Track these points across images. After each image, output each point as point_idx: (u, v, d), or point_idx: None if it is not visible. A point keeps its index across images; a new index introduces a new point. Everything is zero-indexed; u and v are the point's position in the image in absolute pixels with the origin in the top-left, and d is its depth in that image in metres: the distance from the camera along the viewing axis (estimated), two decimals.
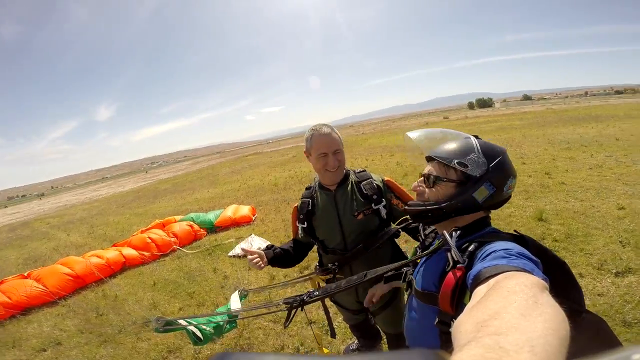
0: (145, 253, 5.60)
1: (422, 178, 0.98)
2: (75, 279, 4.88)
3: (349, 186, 1.58)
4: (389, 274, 1.31)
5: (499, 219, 4.45)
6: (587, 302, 2.45)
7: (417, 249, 1.15)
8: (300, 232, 1.67)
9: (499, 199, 0.90)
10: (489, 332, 0.37)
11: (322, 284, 1.68)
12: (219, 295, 3.84)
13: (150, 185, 24.25)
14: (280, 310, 1.37)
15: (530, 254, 0.67)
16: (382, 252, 1.62)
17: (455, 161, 0.89)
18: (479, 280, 0.62)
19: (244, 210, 7.23)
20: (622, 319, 2.32)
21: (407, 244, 3.59)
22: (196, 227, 6.52)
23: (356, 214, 1.53)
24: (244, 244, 5.22)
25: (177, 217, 7.36)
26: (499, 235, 0.83)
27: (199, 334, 2.01)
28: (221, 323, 2.01)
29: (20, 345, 3.58)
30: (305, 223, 1.63)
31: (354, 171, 1.64)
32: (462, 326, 0.44)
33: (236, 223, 6.75)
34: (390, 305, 1.68)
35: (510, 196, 0.93)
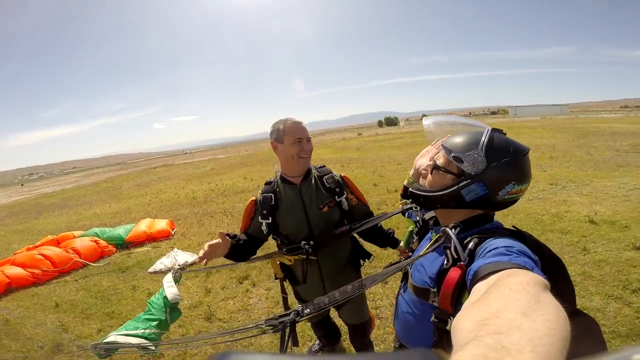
0: (36, 270, 4.62)
1: (430, 162, 0.98)
2: None
3: (313, 180, 1.63)
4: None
5: None
6: None
7: (413, 233, 1.17)
8: (264, 227, 1.60)
9: (494, 202, 0.87)
10: (490, 331, 0.37)
11: (287, 262, 1.63)
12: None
13: (30, 200, 20.02)
14: (261, 333, 1.17)
15: (530, 252, 0.68)
16: (344, 242, 1.70)
17: (453, 155, 0.88)
18: (479, 277, 0.62)
19: (161, 224, 6.53)
20: None
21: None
22: (102, 243, 5.63)
23: (322, 206, 1.58)
24: (166, 259, 4.72)
25: (76, 233, 6.26)
26: (499, 231, 0.83)
27: (149, 343, 1.73)
28: (162, 318, 1.77)
29: None
30: (270, 218, 1.59)
31: (315, 167, 1.71)
32: (463, 324, 0.43)
33: (152, 238, 6.05)
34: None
35: (513, 201, 0.88)
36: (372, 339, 2.27)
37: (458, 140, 0.90)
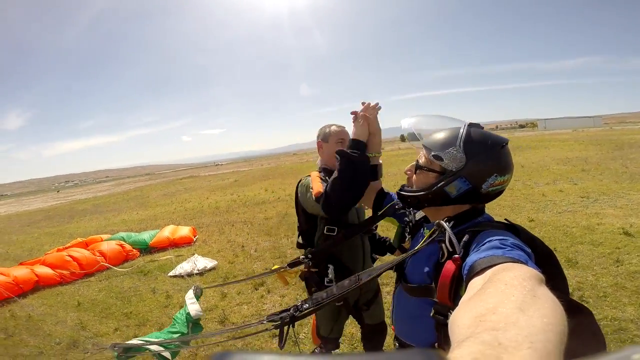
0: (64, 271, 4.84)
1: (414, 163, 0.98)
2: None
3: None
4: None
5: None
6: None
7: (405, 232, 1.16)
8: None
9: (480, 195, 0.87)
10: (487, 327, 0.37)
11: (290, 280, 1.65)
12: (163, 315, 3.48)
13: (64, 205, 21.24)
14: (265, 330, 1.17)
15: (524, 245, 0.68)
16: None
17: (432, 153, 0.88)
18: (474, 272, 0.61)
19: (184, 230, 6.73)
20: None
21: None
22: (128, 247, 5.85)
23: None
24: (186, 264, 4.83)
25: (104, 237, 6.55)
26: (492, 224, 0.83)
27: (167, 354, 1.81)
28: (185, 331, 1.84)
29: None
30: None
31: None
32: (460, 320, 0.43)
33: (175, 244, 6.24)
34: (377, 297, 1.80)
35: (498, 192, 0.89)
36: None
37: (437, 138, 0.90)
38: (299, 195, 1.65)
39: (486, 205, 0.95)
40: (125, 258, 5.64)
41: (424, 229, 1.05)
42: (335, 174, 1.35)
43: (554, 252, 0.82)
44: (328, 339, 1.99)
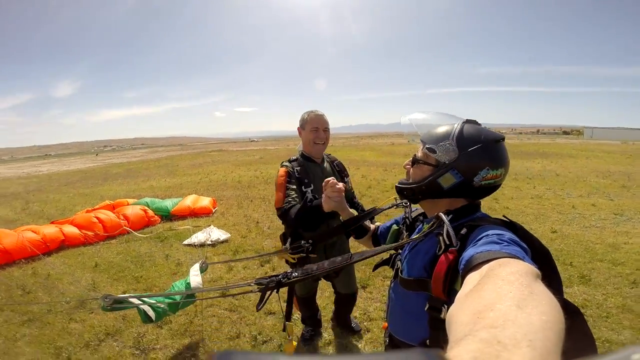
0: (89, 233, 5.16)
1: (412, 158, 1.01)
2: (2, 254, 4.35)
3: (325, 162, 1.95)
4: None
5: None
6: None
7: (402, 230, 1.16)
8: (309, 195, 1.77)
9: (473, 188, 0.89)
10: (485, 325, 0.36)
11: (292, 260, 1.68)
12: (170, 281, 3.66)
13: (100, 168, 22.55)
14: (251, 291, 1.18)
15: (520, 241, 0.69)
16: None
17: (427, 146, 0.92)
18: (471, 266, 0.61)
19: (205, 201, 6.99)
20: None
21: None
22: (150, 212, 6.17)
23: None
24: (201, 234, 5.05)
25: (130, 201, 6.94)
26: (489, 220, 0.85)
27: (151, 312, 1.94)
28: (177, 299, 1.95)
29: None
30: (312, 186, 1.80)
31: (326, 154, 2.03)
32: (457, 317, 0.43)
33: (194, 213, 6.50)
34: (345, 267, 1.85)
35: (493, 186, 0.91)
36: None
37: (433, 132, 0.95)
38: None
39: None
40: (147, 223, 5.95)
41: (423, 225, 1.06)
42: (298, 207, 1.61)
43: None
44: (304, 300, 2.26)
